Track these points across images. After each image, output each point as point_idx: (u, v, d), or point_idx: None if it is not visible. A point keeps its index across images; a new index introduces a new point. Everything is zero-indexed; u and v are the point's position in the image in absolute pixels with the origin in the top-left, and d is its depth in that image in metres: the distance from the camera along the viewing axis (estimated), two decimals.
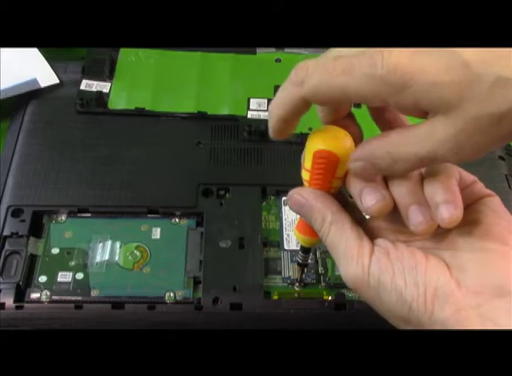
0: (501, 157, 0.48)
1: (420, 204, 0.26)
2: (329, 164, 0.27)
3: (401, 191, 0.26)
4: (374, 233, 0.29)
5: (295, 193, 0.29)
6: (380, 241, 0.27)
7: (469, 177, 0.28)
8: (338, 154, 0.27)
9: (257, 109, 0.50)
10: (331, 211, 0.28)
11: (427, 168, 0.27)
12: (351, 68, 0.24)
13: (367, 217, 0.30)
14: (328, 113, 0.28)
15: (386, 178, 0.27)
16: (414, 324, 0.25)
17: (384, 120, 0.28)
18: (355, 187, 0.27)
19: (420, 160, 0.24)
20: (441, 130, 0.23)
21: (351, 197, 0.28)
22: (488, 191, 0.28)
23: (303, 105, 0.26)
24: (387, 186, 0.27)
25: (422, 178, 0.27)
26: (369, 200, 0.27)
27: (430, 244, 0.27)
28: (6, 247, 0.41)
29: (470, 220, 0.27)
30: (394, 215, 0.28)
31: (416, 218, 0.26)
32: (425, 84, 0.23)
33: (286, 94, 0.26)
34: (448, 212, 0.25)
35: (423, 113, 0.24)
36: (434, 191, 0.26)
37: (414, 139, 0.24)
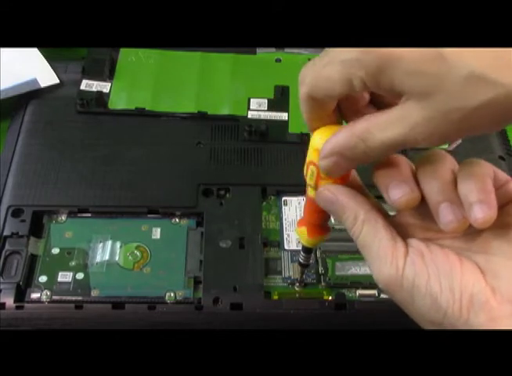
0: (501, 157, 0.48)
1: (452, 202, 0.26)
2: None
3: (432, 188, 0.26)
4: (401, 229, 0.28)
5: (325, 190, 0.28)
6: (413, 242, 0.26)
7: (503, 176, 0.27)
8: None
9: (257, 109, 0.50)
10: (364, 209, 0.27)
11: (461, 166, 0.27)
12: (332, 58, 0.25)
13: (392, 214, 0.30)
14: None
15: (416, 174, 0.27)
16: (447, 328, 0.25)
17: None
18: (382, 181, 0.27)
19: (392, 143, 0.24)
20: (413, 114, 0.24)
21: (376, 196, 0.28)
22: None
23: (311, 101, 0.26)
24: (416, 180, 0.27)
25: (454, 176, 0.26)
26: (396, 193, 0.26)
27: (459, 243, 0.27)
28: (6, 247, 0.41)
29: (503, 223, 0.26)
30: (422, 211, 0.27)
31: (447, 216, 0.26)
32: (400, 70, 0.23)
33: (300, 95, 0.27)
34: (483, 212, 0.25)
35: (397, 96, 0.24)
36: (469, 189, 0.25)
37: (386, 122, 0.24)
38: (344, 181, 0.28)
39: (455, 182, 0.26)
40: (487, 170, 0.26)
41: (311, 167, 0.28)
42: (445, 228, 0.26)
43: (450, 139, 0.24)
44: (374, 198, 0.29)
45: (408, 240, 0.27)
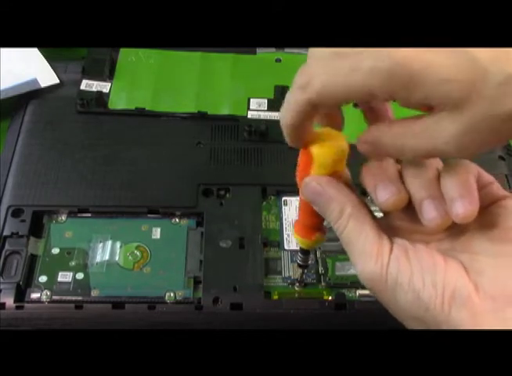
0: (501, 157, 0.48)
1: (435, 198, 0.26)
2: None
3: (415, 185, 0.26)
4: (389, 232, 0.28)
5: (312, 181, 0.28)
6: (398, 240, 0.26)
7: (487, 177, 0.28)
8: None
9: (257, 109, 0.50)
10: (351, 203, 0.27)
11: (445, 163, 0.27)
12: (357, 65, 0.23)
13: (380, 215, 0.30)
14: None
15: (401, 173, 0.27)
16: (430, 325, 0.25)
17: (373, 118, 0.28)
18: (369, 182, 0.27)
19: (423, 152, 0.24)
20: (447, 125, 0.23)
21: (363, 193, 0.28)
22: (506, 193, 0.28)
23: (311, 109, 0.25)
24: (402, 181, 0.27)
25: (438, 173, 0.26)
26: (383, 194, 0.26)
27: (446, 245, 0.27)
28: (6, 247, 0.41)
29: (488, 223, 0.26)
30: (409, 213, 0.27)
31: (430, 212, 0.26)
32: (433, 80, 0.22)
33: (293, 99, 0.25)
34: (463, 207, 0.25)
35: (429, 108, 0.24)
36: (451, 185, 0.25)
37: (420, 132, 0.24)
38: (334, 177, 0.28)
39: (439, 180, 0.26)
40: (470, 168, 0.26)
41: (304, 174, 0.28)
42: (428, 224, 0.26)
43: (484, 150, 0.24)
44: (363, 198, 0.29)
45: (393, 238, 0.27)
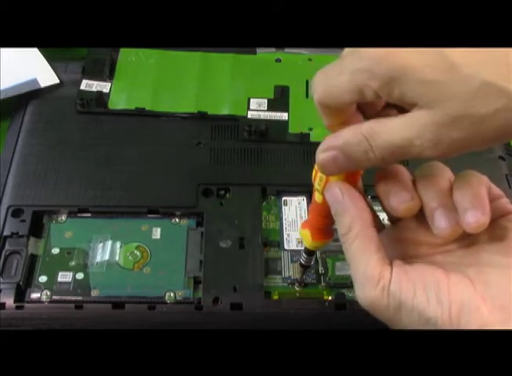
0: (501, 157, 0.48)
1: (446, 208, 0.26)
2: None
3: (428, 194, 0.26)
4: (395, 243, 0.28)
5: (336, 187, 0.28)
6: (396, 262, 0.27)
7: (496, 191, 0.28)
8: None
9: (257, 109, 0.50)
10: (361, 221, 0.27)
11: (457, 176, 0.27)
12: (343, 67, 0.25)
13: (387, 224, 0.30)
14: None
15: (415, 184, 0.27)
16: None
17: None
18: (383, 189, 0.27)
19: (396, 148, 0.24)
20: (421, 120, 0.24)
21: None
22: None
23: (325, 108, 0.26)
24: (415, 188, 0.27)
25: (450, 184, 0.27)
26: (397, 200, 0.27)
27: (452, 258, 0.27)
28: (6, 247, 0.41)
29: (495, 236, 0.27)
30: (417, 224, 0.28)
31: (441, 221, 0.26)
32: (411, 79, 0.23)
33: (314, 101, 0.27)
34: (475, 217, 0.25)
35: (409, 105, 0.24)
36: (463, 196, 0.26)
37: (393, 126, 0.24)
38: (352, 184, 0.28)
39: (451, 191, 0.27)
40: (482, 180, 0.27)
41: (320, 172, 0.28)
42: (438, 233, 0.26)
43: (457, 151, 0.24)
44: (374, 209, 0.29)
45: (392, 261, 0.27)
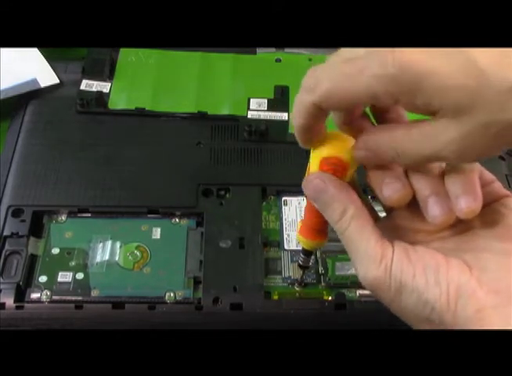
0: (501, 157, 0.48)
1: (439, 195, 0.26)
2: (338, 170, 0.27)
3: (421, 183, 0.26)
4: (391, 232, 0.28)
5: (316, 178, 0.28)
6: (398, 242, 0.27)
7: (488, 176, 0.28)
8: (346, 159, 0.27)
9: (257, 109, 0.50)
10: (355, 204, 0.27)
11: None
12: (362, 70, 0.23)
13: (382, 215, 0.30)
14: (341, 116, 0.28)
15: (406, 170, 0.27)
16: (435, 324, 0.25)
17: (387, 120, 0.28)
18: (375, 178, 0.27)
19: (422, 158, 0.25)
20: (447, 131, 0.23)
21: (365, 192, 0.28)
22: (507, 191, 0.28)
23: (317, 111, 0.25)
24: (406, 177, 0.27)
25: (442, 171, 0.27)
26: (389, 189, 0.27)
27: (449, 244, 0.27)
28: (6, 247, 0.41)
29: (490, 221, 0.27)
30: (412, 212, 0.28)
31: (434, 208, 0.26)
32: (437, 86, 0.22)
33: (300, 102, 0.26)
34: (467, 203, 0.25)
35: (432, 112, 0.24)
36: (455, 183, 0.26)
37: (419, 137, 0.24)
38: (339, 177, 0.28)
39: (443, 178, 0.27)
40: (473, 167, 0.27)
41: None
42: (433, 221, 0.26)
43: (482, 156, 0.24)
44: (368, 199, 0.29)
45: (394, 241, 0.27)
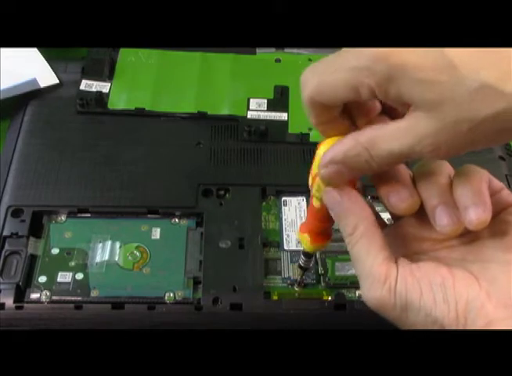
0: (501, 157, 0.48)
1: (448, 205, 0.26)
2: None
3: (428, 191, 0.26)
4: (398, 239, 0.28)
5: (333, 190, 0.27)
6: (401, 261, 0.26)
7: (497, 184, 0.28)
8: None
9: (257, 109, 0.50)
10: (366, 220, 0.27)
11: (457, 171, 0.27)
12: (339, 64, 0.24)
13: (388, 223, 0.30)
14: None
15: (414, 180, 0.27)
16: None
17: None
18: (383, 187, 0.27)
19: (397, 155, 0.24)
20: (421, 125, 0.23)
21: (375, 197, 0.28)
22: None
23: (316, 105, 0.26)
24: (414, 185, 0.27)
25: (450, 180, 0.27)
26: (396, 198, 0.27)
27: (455, 254, 0.27)
28: (6, 247, 0.41)
29: (498, 231, 0.27)
30: (420, 220, 0.27)
31: (443, 219, 0.26)
32: (409, 79, 0.23)
33: (302, 98, 0.26)
34: (477, 214, 0.25)
35: (406, 105, 0.24)
36: (464, 193, 0.26)
37: (391, 134, 0.24)
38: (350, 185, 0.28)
39: (451, 187, 0.26)
40: (482, 176, 0.26)
41: (318, 179, 0.28)
42: (441, 231, 0.26)
43: (456, 153, 0.24)
44: (375, 208, 0.29)
45: (397, 259, 0.27)
